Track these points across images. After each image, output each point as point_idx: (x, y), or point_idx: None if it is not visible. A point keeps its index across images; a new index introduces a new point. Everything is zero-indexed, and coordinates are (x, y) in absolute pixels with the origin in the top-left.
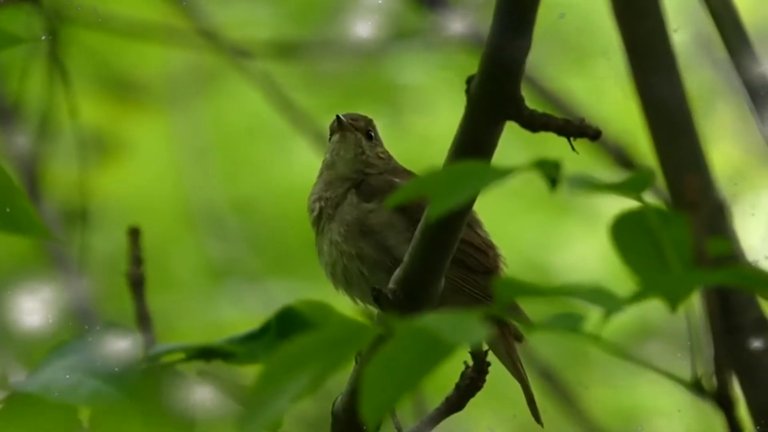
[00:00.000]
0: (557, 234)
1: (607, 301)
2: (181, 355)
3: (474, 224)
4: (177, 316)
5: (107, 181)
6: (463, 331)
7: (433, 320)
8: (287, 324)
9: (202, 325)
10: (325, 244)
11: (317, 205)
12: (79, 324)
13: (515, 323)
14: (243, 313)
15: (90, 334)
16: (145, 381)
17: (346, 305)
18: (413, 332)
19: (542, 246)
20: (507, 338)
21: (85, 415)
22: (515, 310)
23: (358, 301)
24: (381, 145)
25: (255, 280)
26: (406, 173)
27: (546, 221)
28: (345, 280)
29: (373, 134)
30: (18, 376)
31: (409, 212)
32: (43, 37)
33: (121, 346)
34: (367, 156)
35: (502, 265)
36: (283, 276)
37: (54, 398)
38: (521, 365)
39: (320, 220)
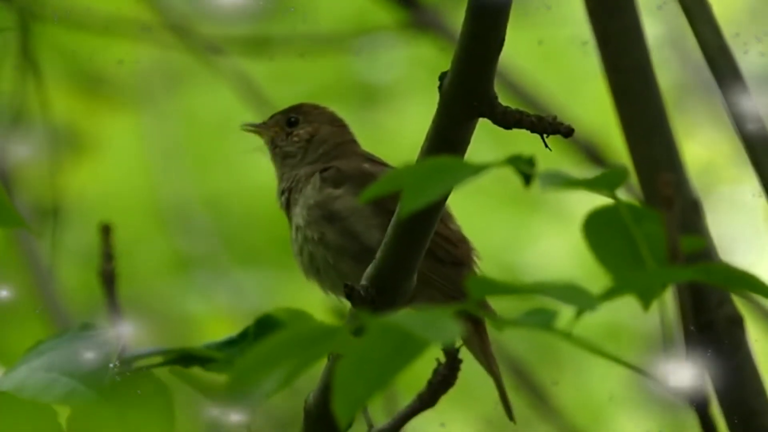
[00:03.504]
0: (525, 231)
1: (581, 299)
2: (159, 359)
3: (445, 218)
4: (147, 311)
5: (78, 176)
6: (436, 328)
7: (406, 318)
8: (265, 330)
9: (172, 319)
10: (292, 231)
11: (284, 197)
12: (52, 320)
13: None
14: (213, 307)
15: (66, 333)
16: (122, 381)
17: (318, 304)
18: (385, 330)
19: (511, 243)
20: (481, 335)
21: (64, 415)
22: (484, 307)
23: (329, 292)
24: (307, 126)
25: (224, 274)
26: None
27: (514, 218)
28: (312, 267)
29: (297, 118)
30: None
31: (378, 200)
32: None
33: (97, 345)
34: (281, 147)
35: (474, 258)
36: (252, 271)
37: (29, 397)
38: (495, 362)
39: (288, 207)
